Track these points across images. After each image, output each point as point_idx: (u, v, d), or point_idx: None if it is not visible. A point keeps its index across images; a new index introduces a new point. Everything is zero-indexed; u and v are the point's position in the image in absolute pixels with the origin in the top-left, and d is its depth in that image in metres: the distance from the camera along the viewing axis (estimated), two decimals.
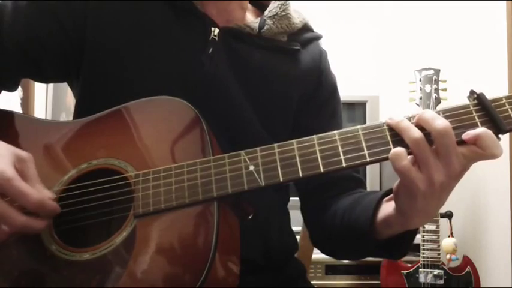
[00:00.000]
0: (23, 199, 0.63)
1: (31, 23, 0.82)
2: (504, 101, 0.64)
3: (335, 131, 0.67)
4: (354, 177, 0.93)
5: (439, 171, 0.62)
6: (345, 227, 0.82)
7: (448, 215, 2.18)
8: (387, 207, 0.72)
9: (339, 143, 0.65)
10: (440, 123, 0.61)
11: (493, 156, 0.61)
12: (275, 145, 0.67)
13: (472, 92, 0.66)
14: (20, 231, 0.65)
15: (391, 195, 0.73)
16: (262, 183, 0.65)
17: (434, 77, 2.14)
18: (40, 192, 0.65)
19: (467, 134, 0.62)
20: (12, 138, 0.78)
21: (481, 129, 0.61)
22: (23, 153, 0.68)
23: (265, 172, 0.65)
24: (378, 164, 2.40)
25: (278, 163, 0.66)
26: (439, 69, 2.16)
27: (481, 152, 0.61)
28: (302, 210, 0.98)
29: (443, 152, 0.61)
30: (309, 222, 0.96)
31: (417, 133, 0.62)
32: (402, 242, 0.74)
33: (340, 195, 0.89)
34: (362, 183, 0.94)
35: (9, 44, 0.82)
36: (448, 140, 0.61)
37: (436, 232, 2.08)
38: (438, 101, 2.11)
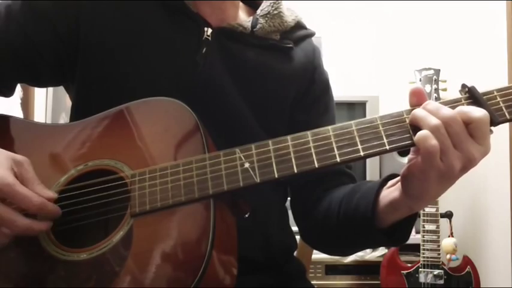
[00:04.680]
0: (25, 202, 0.65)
1: (24, 27, 0.82)
2: (495, 93, 0.65)
3: (329, 127, 0.67)
4: (346, 173, 0.93)
5: (459, 159, 0.62)
6: (343, 217, 0.82)
7: (448, 215, 2.17)
8: (392, 192, 0.72)
9: (333, 139, 0.66)
10: (446, 111, 0.61)
11: (480, 120, 0.61)
12: (269, 141, 0.67)
13: (464, 86, 0.66)
14: (22, 233, 0.66)
15: (393, 183, 0.73)
16: (258, 180, 0.65)
17: (434, 77, 2.14)
18: (42, 193, 0.68)
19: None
20: (9, 143, 0.79)
21: (457, 109, 0.62)
22: (19, 157, 0.69)
23: (260, 169, 0.66)
24: (378, 162, 2.40)
25: (273, 159, 0.66)
26: (439, 69, 2.16)
27: (471, 125, 0.62)
28: (292, 208, 0.97)
29: (456, 140, 0.61)
30: (300, 219, 0.96)
31: (435, 120, 0.61)
32: (406, 226, 0.74)
33: (332, 189, 0.89)
34: (354, 179, 0.94)
35: (3, 49, 0.82)
36: (458, 128, 0.61)
37: (436, 232, 2.08)
38: (438, 100, 2.10)
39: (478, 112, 0.61)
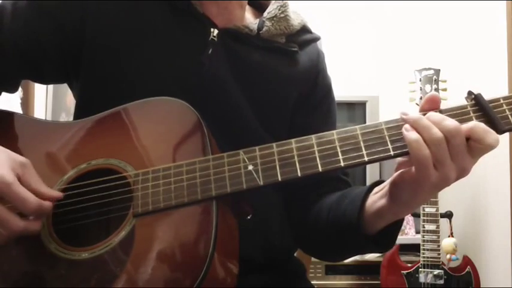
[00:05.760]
0: (22, 204, 0.65)
1: (30, 25, 0.83)
2: (502, 101, 0.64)
3: (334, 131, 0.67)
4: (341, 179, 0.93)
5: (454, 170, 0.62)
6: (332, 221, 0.82)
7: (448, 215, 2.18)
8: (379, 200, 0.72)
9: (337, 143, 0.66)
10: (450, 123, 0.61)
11: (490, 146, 0.61)
12: (274, 144, 0.67)
13: (470, 93, 0.66)
14: (17, 235, 0.66)
15: (381, 188, 0.73)
16: (261, 183, 0.65)
17: (434, 77, 2.14)
18: (49, 193, 0.68)
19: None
20: (12, 139, 0.79)
21: (471, 123, 0.61)
22: (21, 158, 0.69)
23: (264, 172, 0.66)
24: (377, 164, 2.40)
25: (277, 163, 0.66)
26: (439, 69, 2.16)
27: (479, 145, 0.61)
28: (287, 210, 0.97)
29: (455, 152, 0.61)
30: (293, 222, 0.95)
31: (439, 133, 0.61)
32: (391, 233, 0.74)
33: (326, 194, 0.89)
34: (349, 186, 0.93)
35: (9, 46, 0.82)
36: (459, 140, 0.61)
37: (436, 232, 2.08)
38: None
39: (490, 139, 0.61)
